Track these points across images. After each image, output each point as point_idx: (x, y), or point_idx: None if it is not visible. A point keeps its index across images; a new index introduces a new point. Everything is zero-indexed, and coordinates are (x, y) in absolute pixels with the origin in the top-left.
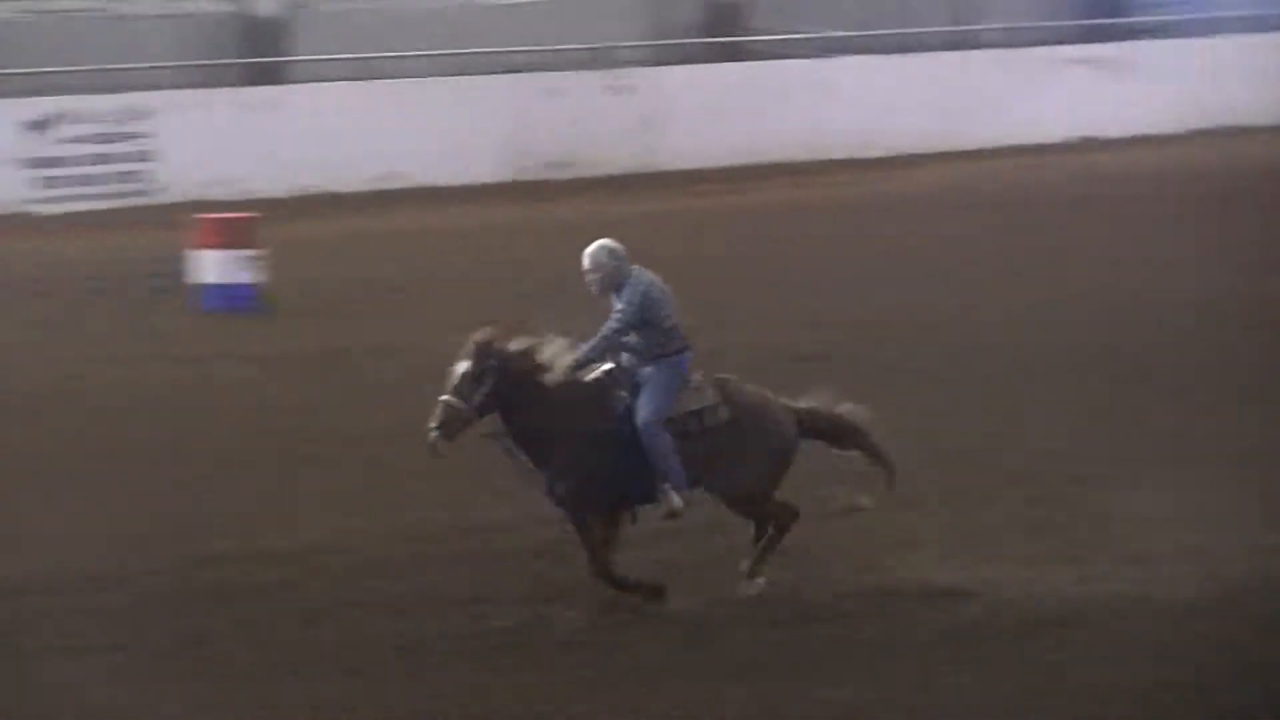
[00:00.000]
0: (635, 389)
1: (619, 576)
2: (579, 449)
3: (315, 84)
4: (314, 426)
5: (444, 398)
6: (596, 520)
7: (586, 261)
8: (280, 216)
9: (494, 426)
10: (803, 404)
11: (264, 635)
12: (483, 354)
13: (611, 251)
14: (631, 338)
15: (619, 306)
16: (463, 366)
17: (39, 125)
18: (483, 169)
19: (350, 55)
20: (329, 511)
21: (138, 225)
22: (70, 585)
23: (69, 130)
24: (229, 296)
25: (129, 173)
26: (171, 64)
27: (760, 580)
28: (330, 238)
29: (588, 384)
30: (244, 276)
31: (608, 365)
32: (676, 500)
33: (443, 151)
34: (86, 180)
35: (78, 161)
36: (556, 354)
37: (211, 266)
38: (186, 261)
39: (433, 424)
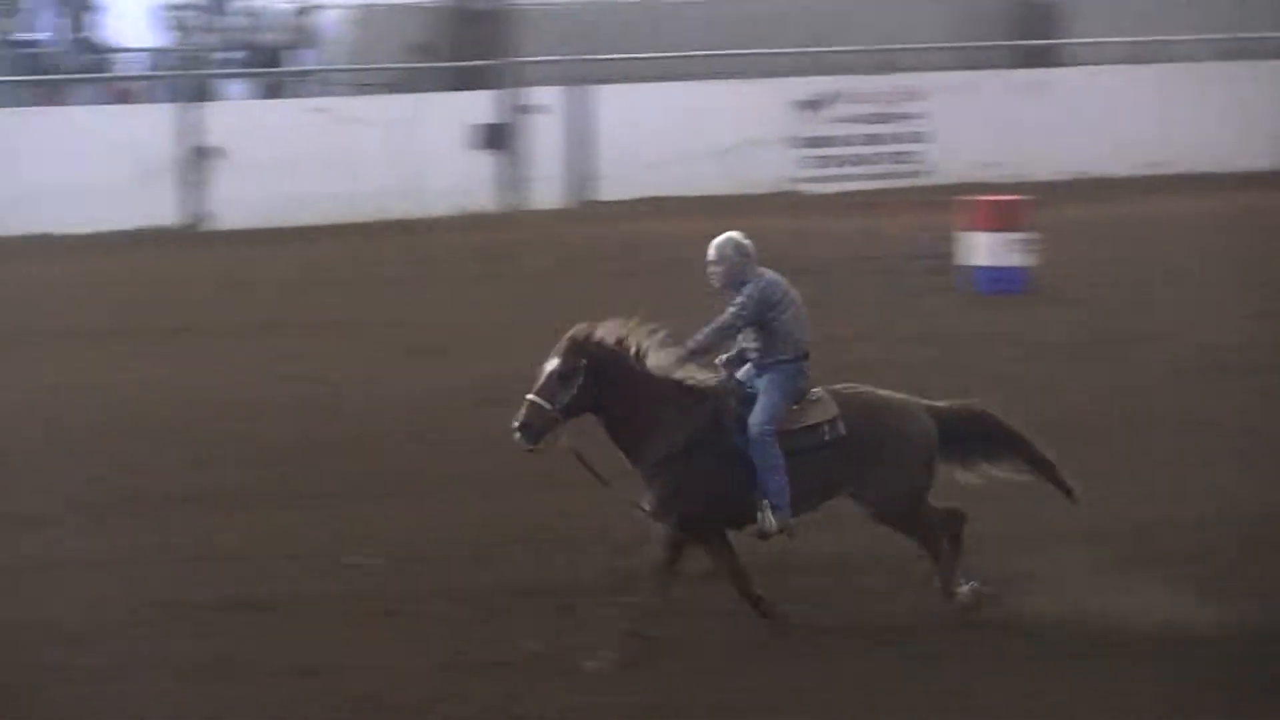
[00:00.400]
0: (748, 401)
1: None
2: (680, 459)
3: (1087, 67)
4: (1069, 413)
5: (529, 397)
6: (683, 537)
7: (711, 252)
8: (1050, 199)
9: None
10: (944, 403)
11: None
12: (575, 352)
13: (738, 246)
14: (749, 340)
15: (737, 300)
16: (552, 365)
17: (812, 104)
18: (1255, 156)
19: (1124, 39)
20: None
21: (906, 206)
22: (832, 567)
23: (842, 110)
24: (999, 279)
25: (900, 154)
26: (944, 45)
27: (966, 588)
28: (1099, 222)
29: (699, 388)
30: (1015, 260)
31: (723, 375)
32: (771, 521)
33: (1215, 137)
34: (857, 160)
35: (848, 141)
36: (654, 347)
37: (982, 249)
38: (956, 243)
39: (514, 423)
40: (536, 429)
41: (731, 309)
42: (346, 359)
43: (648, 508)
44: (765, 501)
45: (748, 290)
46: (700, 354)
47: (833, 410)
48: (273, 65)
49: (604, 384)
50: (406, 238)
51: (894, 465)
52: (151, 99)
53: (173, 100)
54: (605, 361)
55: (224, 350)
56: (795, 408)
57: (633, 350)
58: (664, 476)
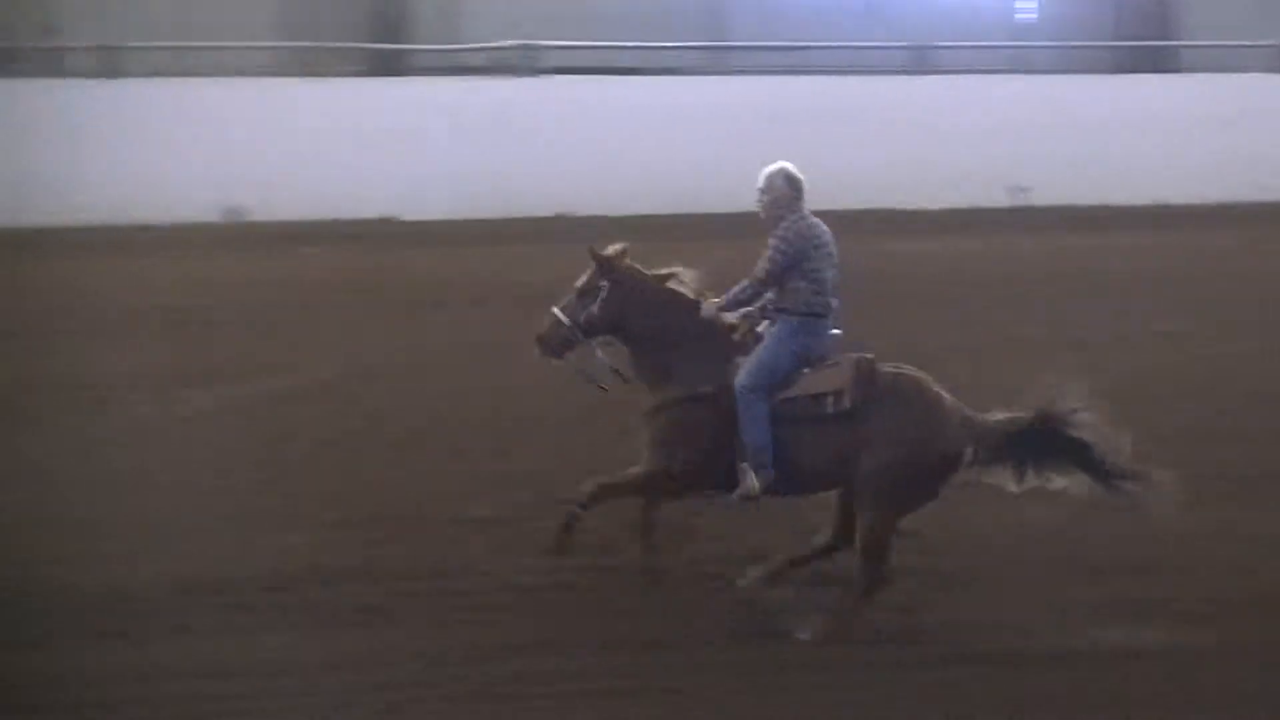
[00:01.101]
0: None
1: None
2: (688, 404)
3: None
4: None
5: (554, 309)
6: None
7: (761, 181)
8: None
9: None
10: (998, 415)
11: None
12: (598, 271)
13: (789, 178)
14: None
15: (771, 242)
16: (579, 281)
17: None
18: None
19: None
20: None
21: None
22: None
23: None
24: None
25: None
26: None
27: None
28: None
29: (727, 340)
30: None
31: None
32: (752, 482)
33: None
34: None
35: None
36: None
37: None
38: None
39: (536, 335)
40: (552, 342)
41: (766, 253)
42: None
43: (646, 445)
44: (744, 465)
45: (783, 227)
46: (734, 308)
47: (843, 380)
48: None
49: (626, 307)
50: None
51: (890, 461)
52: None
53: None
54: (629, 285)
55: None
56: (805, 371)
57: (667, 284)
58: (669, 418)
